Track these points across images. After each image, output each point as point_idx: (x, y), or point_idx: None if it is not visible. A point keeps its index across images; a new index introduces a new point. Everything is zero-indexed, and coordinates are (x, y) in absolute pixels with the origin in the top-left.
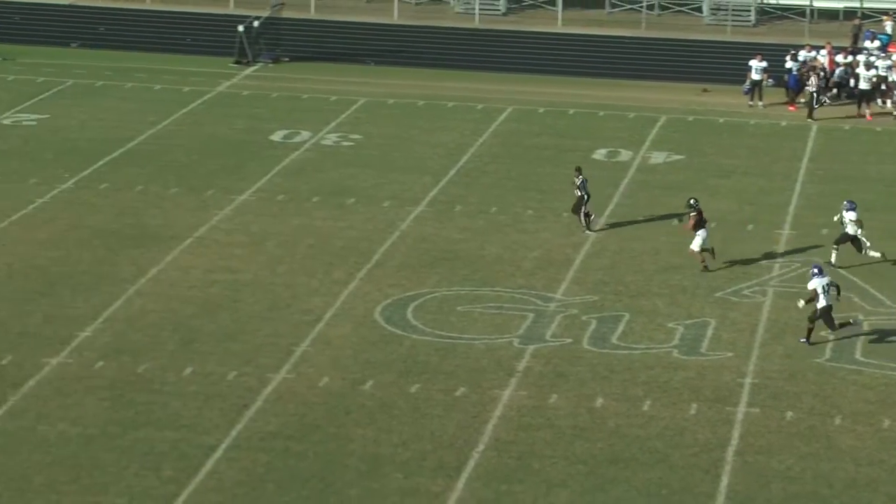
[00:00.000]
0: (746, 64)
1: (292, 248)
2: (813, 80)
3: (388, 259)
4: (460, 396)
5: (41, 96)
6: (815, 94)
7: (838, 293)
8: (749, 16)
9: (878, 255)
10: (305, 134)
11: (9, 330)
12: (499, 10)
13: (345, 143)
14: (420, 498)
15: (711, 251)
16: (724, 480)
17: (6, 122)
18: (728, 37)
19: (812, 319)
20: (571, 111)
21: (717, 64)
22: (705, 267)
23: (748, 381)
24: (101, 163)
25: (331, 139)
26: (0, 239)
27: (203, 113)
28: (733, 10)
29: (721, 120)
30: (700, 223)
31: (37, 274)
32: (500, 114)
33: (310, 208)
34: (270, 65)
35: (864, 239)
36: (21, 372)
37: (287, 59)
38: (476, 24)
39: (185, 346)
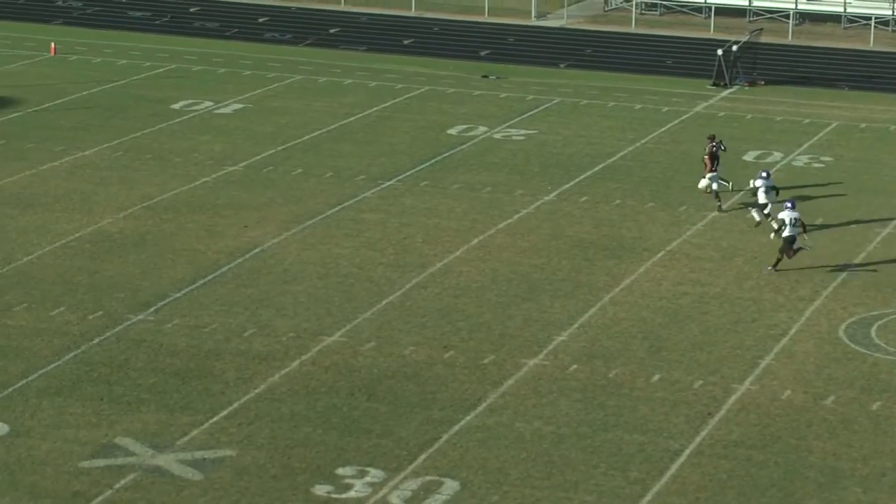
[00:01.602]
0: None
1: (760, 265)
2: None
3: (853, 278)
4: None
5: (530, 113)
6: None
7: (804, 229)
8: None
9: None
10: (777, 154)
11: (492, 331)
12: None
13: (815, 165)
14: None
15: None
16: None
17: (497, 136)
18: None
19: (781, 250)
20: None
21: None
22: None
23: None
24: (582, 176)
25: (802, 160)
26: (486, 245)
27: (680, 132)
28: None
29: None
30: (712, 164)
31: (519, 279)
32: None
33: None
34: (746, 88)
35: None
36: (501, 371)
37: (763, 82)
38: None
39: (653, 353)
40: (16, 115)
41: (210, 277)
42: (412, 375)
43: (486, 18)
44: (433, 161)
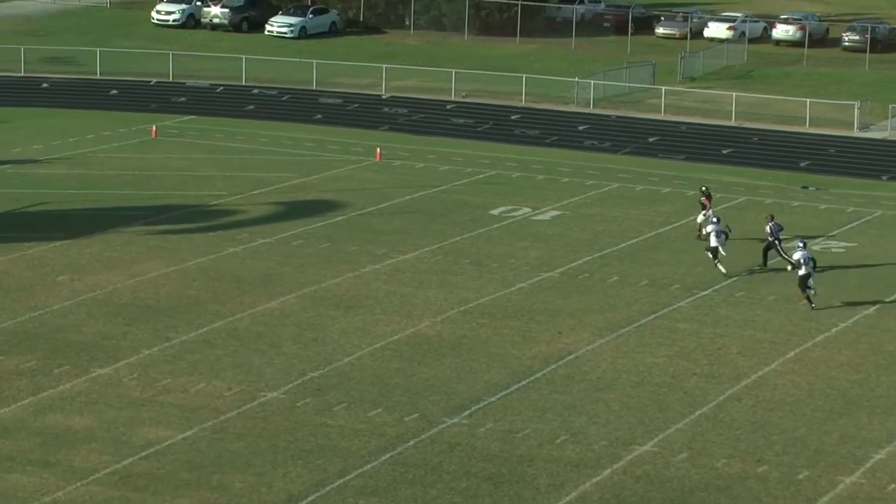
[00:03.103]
0: None
1: None
2: None
3: None
4: None
5: (850, 225)
6: None
7: (814, 266)
8: None
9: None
10: None
11: (807, 446)
12: None
13: None
14: None
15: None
16: None
17: (815, 248)
18: None
19: (801, 287)
20: None
21: None
22: (699, 236)
23: None
24: None
25: None
26: (802, 359)
27: None
28: None
29: None
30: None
31: (836, 395)
32: None
33: None
34: None
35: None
36: (816, 488)
37: None
38: None
39: None
40: (341, 218)
41: (524, 383)
42: (724, 488)
43: (806, 129)
44: (749, 271)
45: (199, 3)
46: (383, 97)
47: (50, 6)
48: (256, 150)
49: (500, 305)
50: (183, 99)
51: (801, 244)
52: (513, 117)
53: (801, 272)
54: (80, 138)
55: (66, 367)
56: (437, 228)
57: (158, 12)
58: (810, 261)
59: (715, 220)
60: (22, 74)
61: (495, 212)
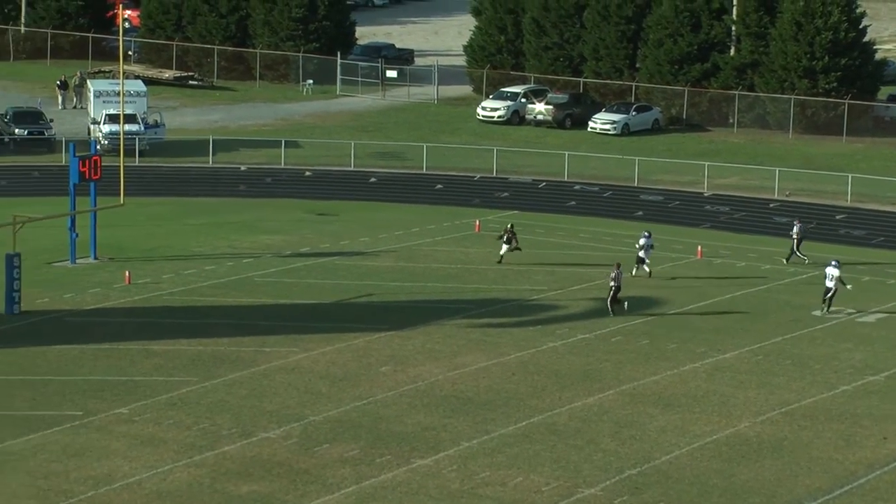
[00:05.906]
0: None
1: None
2: None
3: None
4: None
5: None
6: None
7: (842, 283)
8: None
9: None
10: None
11: None
12: None
13: None
14: None
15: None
16: None
17: None
18: None
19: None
20: None
21: None
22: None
23: None
24: None
25: None
26: None
27: None
28: None
29: None
30: (508, 239)
31: None
32: None
33: None
34: None
35: None
36: None
37: None
38: None
39: None
40: (660, 314)
41: (847, 488)
42: None
43: None
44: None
45: (523, 101)
46: (705, 194)
47: (380, 102)
48: (577, 246)
49: (822, 408)
50: (506, 194)
51: (834, 262)
52: (837, 217)
53: (828, 285)
54: (405, 231)
55: (387, 456)
56: (758, 328)
57: (484, 108)
58: (835, 279)
59: (646, 234)
60: (352, 168)
61: (817, 313)
